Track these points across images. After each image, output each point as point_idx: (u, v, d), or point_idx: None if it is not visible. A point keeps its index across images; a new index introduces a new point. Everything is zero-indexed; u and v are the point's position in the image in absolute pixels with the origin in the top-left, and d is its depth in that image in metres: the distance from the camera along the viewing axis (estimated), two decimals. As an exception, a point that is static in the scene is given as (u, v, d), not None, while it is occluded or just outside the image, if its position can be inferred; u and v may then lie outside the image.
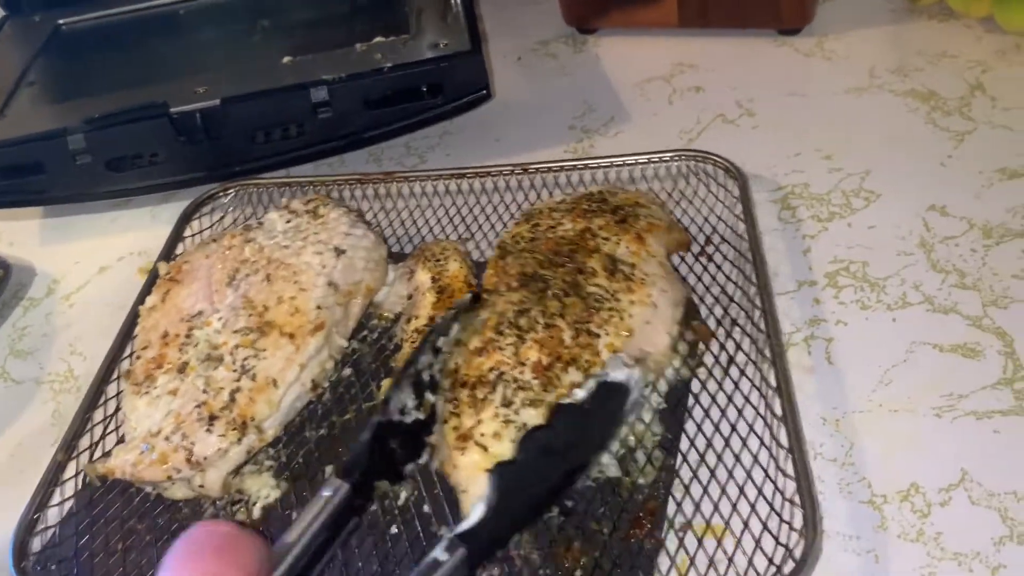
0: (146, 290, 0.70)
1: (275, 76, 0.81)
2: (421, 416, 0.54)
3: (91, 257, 0.84)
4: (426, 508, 0.55)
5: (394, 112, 0.80)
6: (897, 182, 0.75)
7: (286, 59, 0.84)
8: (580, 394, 0.52)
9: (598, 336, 0.56)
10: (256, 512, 0.57)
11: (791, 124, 0.83)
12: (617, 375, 0.53)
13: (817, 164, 0.78)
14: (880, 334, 0.63)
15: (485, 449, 0.51)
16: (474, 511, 0.46)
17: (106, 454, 0.61)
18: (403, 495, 0.56)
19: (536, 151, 0.86)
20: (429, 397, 0.55)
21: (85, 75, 0.92)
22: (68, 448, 0.61)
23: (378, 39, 0.83)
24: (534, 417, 0.52)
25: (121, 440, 0.60)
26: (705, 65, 0.93)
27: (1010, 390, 0.58)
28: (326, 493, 0.48)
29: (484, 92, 0.80)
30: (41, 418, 0.70)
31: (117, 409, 0.64)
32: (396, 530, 0.54)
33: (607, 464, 0.54)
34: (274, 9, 0.96)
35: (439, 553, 0.44)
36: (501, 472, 0.47)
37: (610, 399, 0.53)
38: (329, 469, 0.59)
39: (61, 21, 1.01)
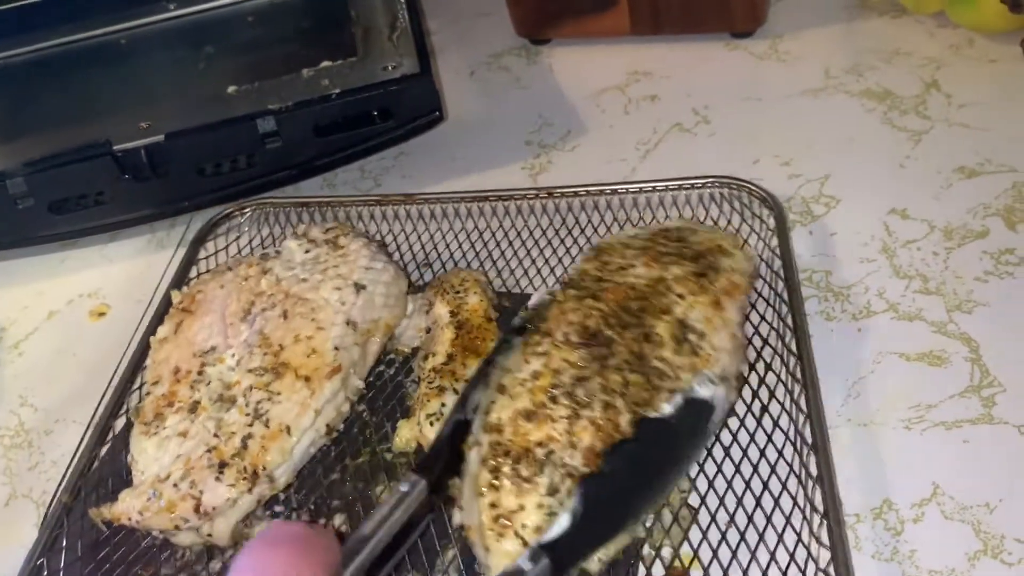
0: (158, 319, 0.68)
1: (220, 107, 0.79)
2: None
3: (39, 301, 0.81)
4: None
5: (345, 138, 0.78)
6: (857, 186, 0.74)
7: (231, 88, 0.81)
8: (667, 409, 0.50)
9: None
10: None
11: (748, 130, 0.83)
12: (702, 392, 0.51)
13: (776, 171, 0.77)
14: (846, 345, 0.62)
15: (524, 543, 0.46)
16: (559, 521, 0.45)
17: (110, 498, 0.58)
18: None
19: (493, 169, 0.84)
20: None
21: (21, 114, 0.90)
22: (73, 489, 0.60)
23: (325, 63, 0.81)
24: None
25: (128, 482, 0.58)
26: (659, 72, 0.92)
27: (978, 397, 0.57)
28: (403, 488, 0.46)
29: (436, 114, 0.78)
30: (-9, 477, 0.67)
31: (124, 447, 0.62)
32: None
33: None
34: (218, 36, 0.94)
35: (523, 562, 0.43)
36: (588, 484, 0.46)
37: (695, 416, 0.52)
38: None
39: (-8, 58, 0.98)
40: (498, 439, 0.49)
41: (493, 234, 0.75)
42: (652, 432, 0.49)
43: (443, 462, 0.49)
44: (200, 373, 0.60)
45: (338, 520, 0.57)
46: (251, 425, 0.56)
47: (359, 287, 0.63)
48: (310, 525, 0.45)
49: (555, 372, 0.51)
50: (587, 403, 0.50)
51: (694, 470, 0.55)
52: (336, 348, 0.59)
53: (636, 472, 0.49)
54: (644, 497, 0.50)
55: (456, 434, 0.50)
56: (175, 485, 0.54)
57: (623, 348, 0.52)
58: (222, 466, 0.55)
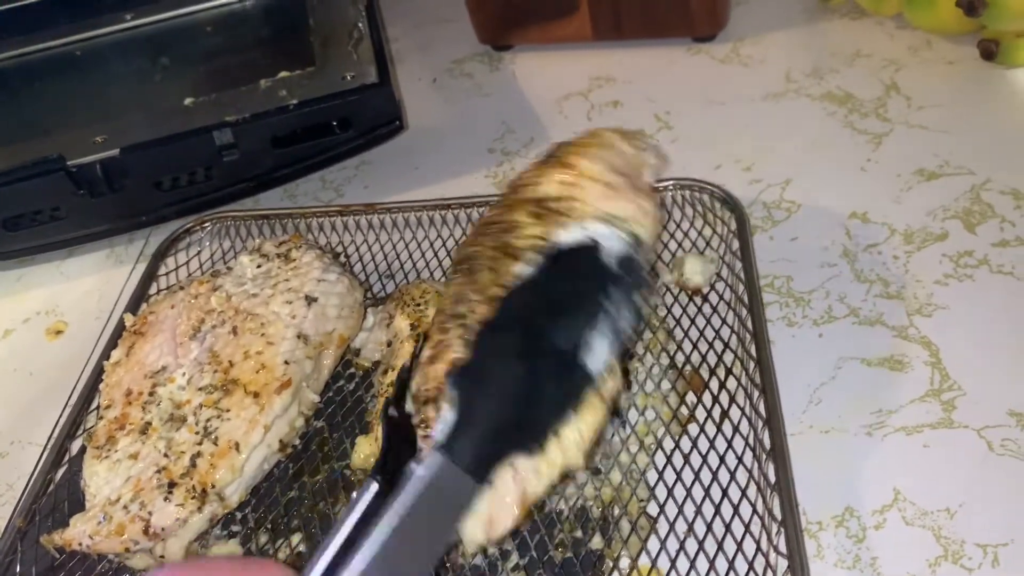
0: (112, 343, 0.67)
1: (177, 120, 0.77)
2: None
3: (-5, 320, 0.80)
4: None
5: (304, 149, 0.77)
6: (818, 190, 0.75)
7: (188, 100, 0.80)
8: (525, 271, 0.45)
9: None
10: None
11: (710, 135, 0.83)
12: (567, 237, 0.46)
13: (738, 176, 0.77)
14: (807, 351, 0.62)
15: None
16: (443, 418, 0.42)
17: (66, 522, 0.57)
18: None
19: (457, 177, 0.84)
20: None
21: (-26, 129, 0.88)
22: (28, 513, 0.59)
23: (283, 74, 0.80)
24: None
25: (83, 506, 0.57)
26: (622, 78, 0.92)
27: (938, 402, 0.57)
28: (354, 494, 0.45)
29: (397, 123, 0.78)
30: (-53, 501, 0.66)
31: (79, 468, 0.60)
32: None
33: (589, 535, 0.51)
34: (175, 46, 0.92)
35: (415, 467, 0.40)
36: (459, 374, 0.43)
37: (573, 266, 0.46)
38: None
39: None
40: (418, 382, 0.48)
41: (456, 242, 0.74)
42: (513, 302, 0.45)
43: (394, 457, 0.44)
44: (151, 394, 0.59)
45: (296, 539, 0.56)
46: (200, 443, 0.55)
47: (310, 300, 0.62)
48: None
49: (439, 312, 0.50)
50: (461, 315, 0.47)
51: (652, 477, 0.55)
52: (286, 362, 0.59)
53: (509, 348, 0.44)
54: (544, 373, 0.45)
55: (393, 429, 0.46)
56: (125, 507, 0.53)
57: (486, 250, 0.49)
58: (171, 486, 0.54)
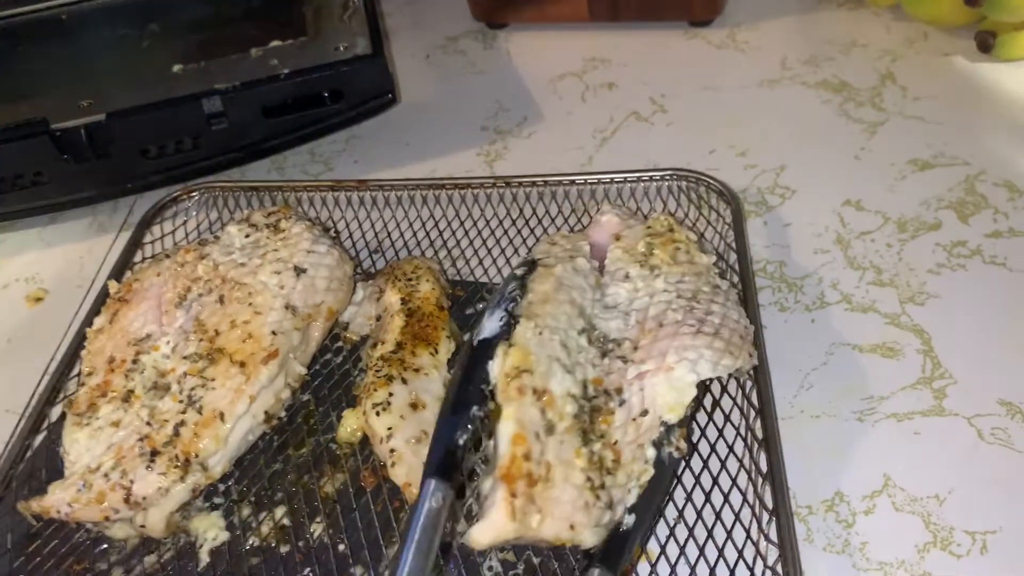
0: (95, 310, 0.66)
1: (165, 86, 0.76)
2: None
3: (-26, 286, 0.78)
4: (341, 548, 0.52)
5: (294, 120, 0.76)
6: (812, 177, 0.74)
7: (176, 67, 0.79)
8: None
9: None
10: (203, 556, 0.53)
11: (705, 120, 0.82)
12: None
13: (732, 161, 0.77)
14: (799, 336, 0.62)
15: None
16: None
17: (43, 490, 0.56)
18: (317, 531, 0.53)
19: (448, 155, 0.83)
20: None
21: (-43, 92, 0.85)
22: (5, 480, 0.57)
23: (274, 43, 0.79)
24: None
25: (62, 474, 0.56)
26: (617, 60, 0.91)
27: (929, 390, 0.57)
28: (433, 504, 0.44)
29: (389, 96, 0.77)
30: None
31: (58, 435, 0.59)
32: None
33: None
34: (163, 12, 0.90)
35: None
36: None
37: None
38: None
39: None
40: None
41: (449, 222, 0.73)
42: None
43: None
44: (135, 362, 0.58)
45: (279, 512, 0.55)
46: (184, 412, 0.54)
47: (299, 271, 0.61)
48: None
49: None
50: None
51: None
52: (273, 333, 0.58)
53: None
54: None
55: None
56: (105, 475, 0.52)
57: None
58: (153, 454, 0.53)
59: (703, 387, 0.56)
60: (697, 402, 0.50)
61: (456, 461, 0.46)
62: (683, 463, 0.54)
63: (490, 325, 0.51)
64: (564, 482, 0.46)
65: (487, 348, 0.50)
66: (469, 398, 0.48)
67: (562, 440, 0.47)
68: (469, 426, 0.47)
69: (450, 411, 0.48)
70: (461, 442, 0.46)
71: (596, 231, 0.61)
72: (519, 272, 0.55)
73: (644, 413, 0.49)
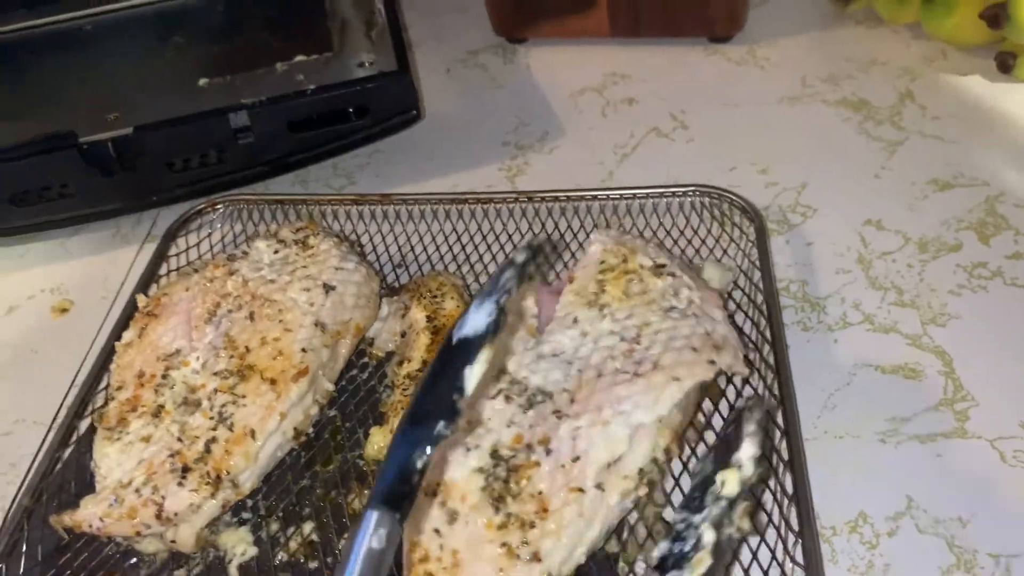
0: (121, 322, 0.66)
1: (191, 100, 0.77)
2: None
3: (-1, 296, 0.79)
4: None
5: (319, 135, 0.77)
6: (833, 196, 0.75)
7: (202, 81, 0.79)
8: None
9: None
10: (232, 571, 0.54)
11: (725, 136, 0.83)
12: None
13: (754, 178, 0.77)
14: (823, 356, 0.62)
15: None
16: None
17: (73, 503, 0.56)
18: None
19: (470, 169, 0.83)
20: None
21: (-17, 101, 0.86)
22: (35, 492, 0.58)
23: (300, 57, 0.80)
24: None
25: (92, 486, 0.56)
26: (637, 75, 0.92)
27: (951, 411, 0.58)
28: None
29: (414, 113, 0.77)
30: (-51, 478, 0.65)
31: (89, 449, 0.59)
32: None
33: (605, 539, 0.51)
34: (187, 24, 0.91)
35: None
36: None
37: None
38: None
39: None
40: None
41: (471, 237, 0.74)
42: None
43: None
44: (164, 377, 0.59)
45: (308, 528, 0.55)
46: (215, 429, 0.55)
47: (328, 288, 0.62)
48: None
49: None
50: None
51: (669, 484, 0.55)
52: (303, 350, 0.58)
53: None
54: None
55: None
56: (137, 491, 0.53)
57: None
58: (185, 471, 0.53)
59: (729, 406, 0.57)
60: (760, 477, 0.45)
61: (410, 489, 0.38)
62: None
63: (474, 319, 0.42)
64: (475, 561, 0.46)
65: (467, 349, 0.41)
66: (435, 410, 0.40)
67: (467, 521, 0.48)
68: (429, 448, 0.39)
69: (409, 423, 0.40)
70: (419, 465, 0.39)
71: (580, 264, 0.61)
72: (519, 259, 0.44)
73: (576, 459, 0.49)
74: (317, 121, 0.76)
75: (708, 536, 0.42)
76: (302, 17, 0.88)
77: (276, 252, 0.65)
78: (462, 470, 0.50)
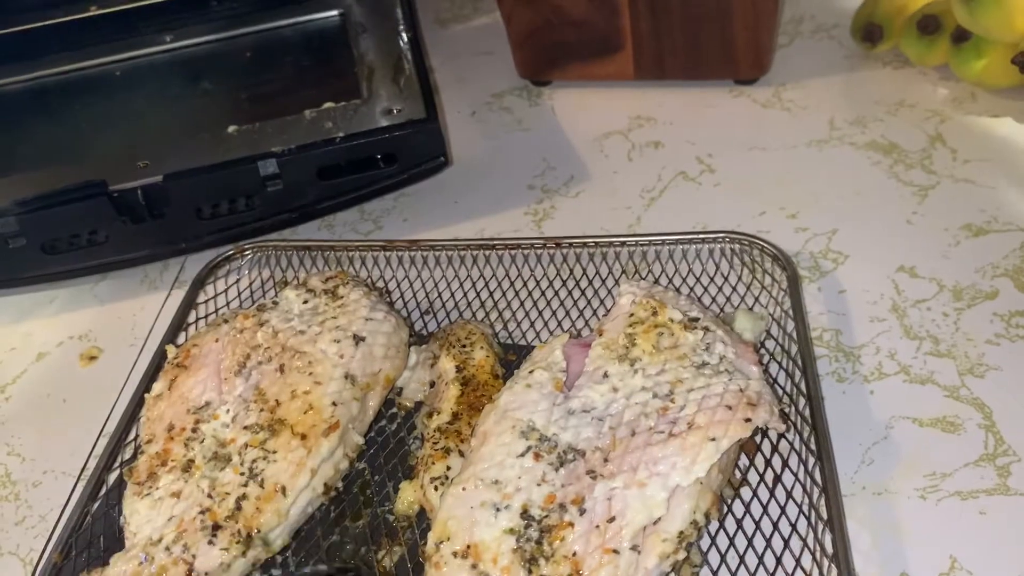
0: (150, 372, 0.67)
1: (220, 147, 0.77)
2: None
3: (27, 342, 0.79)
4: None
5: (347, 182, 0.77)
6: (865, 241, 0.74)
7: (231, 128, 0.80)
8: None
9: None
10: None
11: (753, 180, 0.82)
12: None
13: (783, 223, 0.77)
14: (858, 408, 0.61)
15: None
16: None
17: (102, 558, 0.56)
18: None
19: (496, 214, 0.83)
20: None
21: (13, 148, 0.87)
22: (64, 548, 0.57)
23: (328, 104, 0.80)
24: None
25: (121, 540, 0.56)
26: (663, 118, 0.92)
27: (992, 467, 0.56)
28: None
29: (442, 159, 0.77)
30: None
31: (117, 502, 0.59)
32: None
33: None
34: (216, 71, 0.92)
35: None
36: None
37: None
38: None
39: (-17, 87, 0.95)
40: None
41: (499, 283, 0.74)
42: None
43: None
44: (194, 430, 0.58)
45: (340, 580, 0.55)
46: (246, 485, 0.55)
47: (358, 339, 0.62)
48: None
49: None
50: None
51: (706, 543, 0.54)
52: (334, 404, 0.58)
53: None
54: None
55: None
56: (167, 548, 0.53)
57: None
58: (215, 528, 0.53)
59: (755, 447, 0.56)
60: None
61: None
62: (746, 542, 0.53)
63: None
64: None
65: None
66: None
67: None
68: None
69: None
70: None
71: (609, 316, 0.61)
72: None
73: (611, 520, 0.48)
74: (346, 168, 0.76)
75: None
76: (330, 64, 0.89)
77: (306, 302, 0.65)
78: (492, 531, 0.49)
